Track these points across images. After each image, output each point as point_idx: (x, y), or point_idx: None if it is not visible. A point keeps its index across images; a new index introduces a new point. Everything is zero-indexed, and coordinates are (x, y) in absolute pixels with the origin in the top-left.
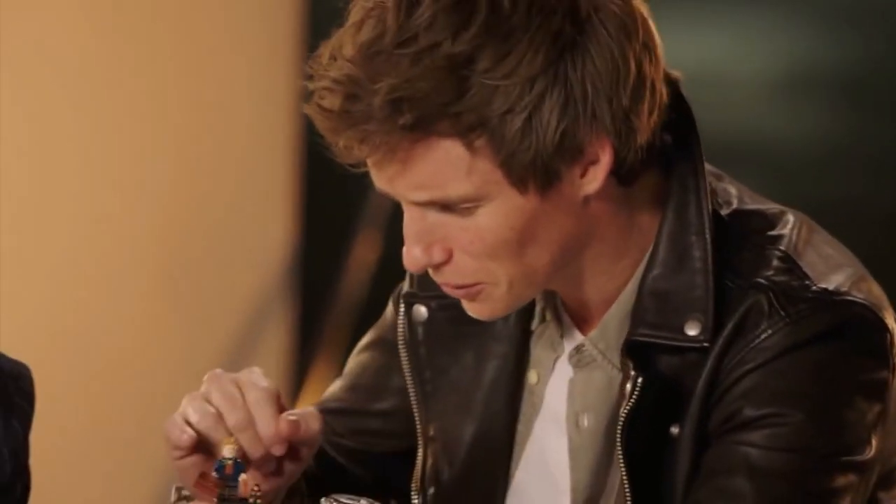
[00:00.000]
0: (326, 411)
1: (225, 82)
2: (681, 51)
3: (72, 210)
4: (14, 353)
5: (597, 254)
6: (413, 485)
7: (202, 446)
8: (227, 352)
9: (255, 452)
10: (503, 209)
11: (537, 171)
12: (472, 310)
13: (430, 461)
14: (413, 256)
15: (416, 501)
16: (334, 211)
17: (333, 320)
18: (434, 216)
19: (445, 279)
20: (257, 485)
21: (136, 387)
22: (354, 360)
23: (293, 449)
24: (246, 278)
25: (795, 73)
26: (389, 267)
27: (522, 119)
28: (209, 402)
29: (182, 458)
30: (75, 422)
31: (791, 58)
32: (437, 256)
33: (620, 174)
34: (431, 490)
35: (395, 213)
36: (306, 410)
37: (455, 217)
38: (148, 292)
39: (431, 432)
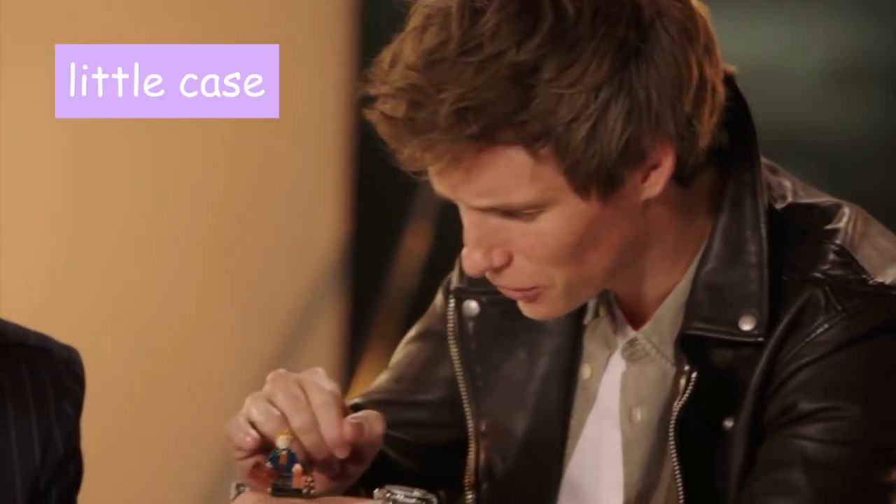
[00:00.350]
0: (373, 403)
1: (281, 75)
2: (734, 44)
3: (128, 204)
4: (74, 336)
5: (655, 256)
6: (466, 480)
7: (265, 447)
8: (278, 343)
9: (318, 455)
10: (565, 215)
11: (601, 178)
12: (529, 311)
13: (482, 456)
14: (474, 260)
15: (469, 497)
16: (385, 202)
17: (384, 312)
18: (495, 221)
19: (504, 282)
20: (311, 475)
21: (189, 379)
22: (402, 352)
23: (356, 451)
24: (297, 270)
25: (850, 65)
26: (440, 258)
27: (587, 128)
28: (273, 403)
29: (245, 458)
30: (128, 411)
31: (845, 50)
32: (498, 260)
33: (681, 177)
34: (485, 485)
35: (445, 205)
36: (369, 413)
37: (516, 222)
38: (201, 285)
39: (483, 427)
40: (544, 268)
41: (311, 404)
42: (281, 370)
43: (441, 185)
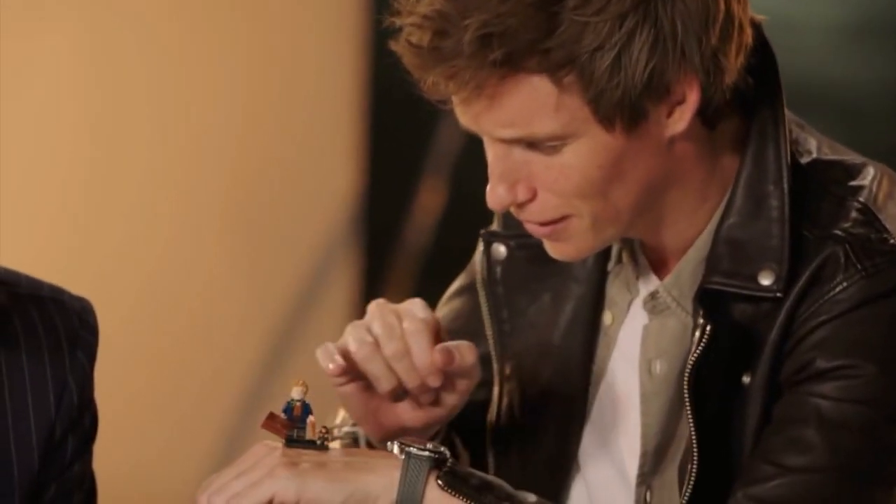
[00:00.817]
0: None
1: (291, 31)
2: None
3: (146, 159)
4: (90, 298)
5: (680, 196)
6: (488, 423)
7: (358, 373)
8: (293, 299)
9: (410, 382)
10: (589, 147)
11: (625, 110)
12: (555, 250)
13: (505, 400)
14: (497, 195)
15: (491, 436)
16: (399, 158)
17: (398, 267)
18: (519, 154)
19: (529, 217)
20: (324, 427)
21: (204, 334)
22: (446, 307)
23: (450, 381)
24: (312, 226)
25: (866, 18)
26: (453, 214)
27: (612, 56)
28: (369, 331)
29: (341, 385)
30: (146, 365)
31: (861, 3)
32: (522, 195)
33: (706, 115)
34: (507, 428)
35: (459, 160)
36: (461, 342)
37: (541, 155)
38: (216, 242)
39: (507, 371)
40: (570, 201)
41: (403, 332)
42: (381, 299)
43: (465, 116)
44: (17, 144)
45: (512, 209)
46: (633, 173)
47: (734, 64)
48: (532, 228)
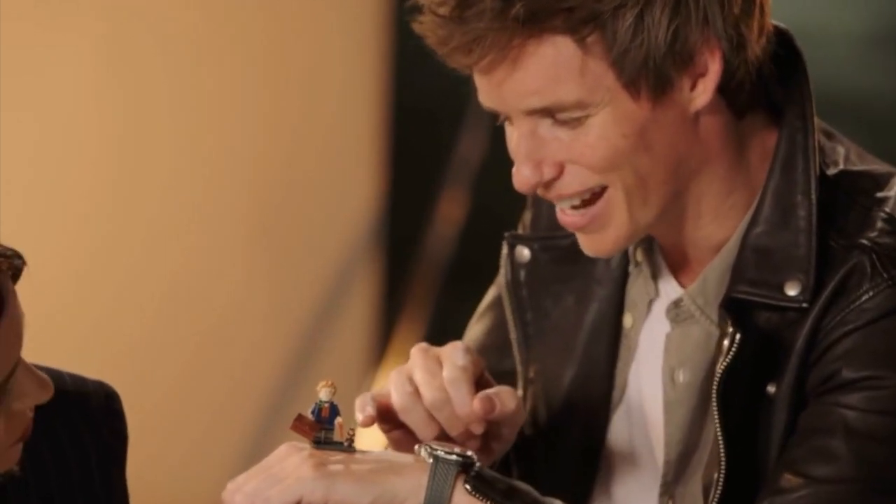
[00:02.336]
0: None
1: (314, 41)
2: (773, 8)
3: (168, 168)
4: (115, 304)
5: (706, 184)
6: None
7: (398, 421)
8: (314, 311)
9: (452, 430)
10: (615, 116)
11: (649, 74)
12: (589, 243)
13: (528, 403)
14: (523, 175)
15: (515, 442)
16: (420, 169)
17: (419, 277)
18: (544, 130)
19: (559, 191)
20: (352, 428)
21: (228, 338)
22: (478, 325)
23: (493, 427)
24: (334, 235)
25: (888, 27)
26: (475, 224)
27: (634, 14)
28: (410, 379)
29: (387, 431)
30: (171, 367)
31: (883, 13)
32: (548, 173)
33: (731, 95)
34: (530, 430)
35: (480, 171)
36: (502, 389)
37: (566, 130)
38: (238, 254)
39: (531, 374)
40: (599, 172)
41: (444, 380)
42: (423, 344)
43: (489, 87)
44: (38, 154)
45: (539, 191)
46: (661, 145)
47: (756, 41)
48: (568, 219)
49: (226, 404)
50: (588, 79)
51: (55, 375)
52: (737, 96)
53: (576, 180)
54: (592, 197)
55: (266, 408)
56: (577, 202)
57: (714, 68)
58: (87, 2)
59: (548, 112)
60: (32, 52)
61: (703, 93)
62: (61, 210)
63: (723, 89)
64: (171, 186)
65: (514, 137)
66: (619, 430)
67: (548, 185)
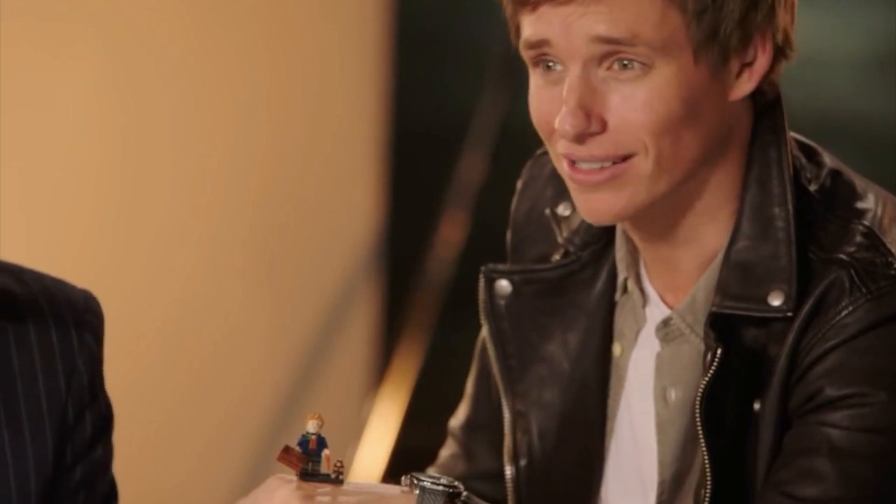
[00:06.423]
0: (481, 429)
1: (314, 63)
2: None
3: (170, 188)
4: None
5: (713, 185)
6: (505, 459)
7: None
8: (314, 331)
9: None
10: (678, 76)
11: (715, 44)
12: (593, 204)
13: (519, 434)
14: (576, 119)
15: (508, 472)
16: (420, 191)
17: (419, 299)
18: (598, 80)
19: (594, 150)
20: (339, 461)
21: (227, 362)
22: (477, 364)
23: None
24: (334, 259)
25: (889, 52)
26: (475, 246)
27: None
28: None
29: None
30: (169, 393)
31: (885, 38)
32: (594, 126)
33: (759, 95)
34: (523, 462)
35: (481, 193)
36: None
37: (624, 83)
38: (239, 275)
39: (519, 406)
40: (640, 137)
41: None
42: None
43: (558, 17)
44: (42, 172)
45: (569, 147)
46: (707, 122)
47: (790, 53)
48: (585, 176)
49: (226, 423)
50: (665, 28)
51: (37, 274)
52: (763, 100)
53: (613, 143)
54: (617, 162)
55: (266, 428)
56: (600, 165)
57: (762, 61)
58: (90, 13)
59: (615, 48)
60: (36, 63)
61: (746, 82)
62: (62, 229)
63: (757, 88)
64: (172, 206)
65: (568, 85)
66: (613, 456)
67: (588, 137)
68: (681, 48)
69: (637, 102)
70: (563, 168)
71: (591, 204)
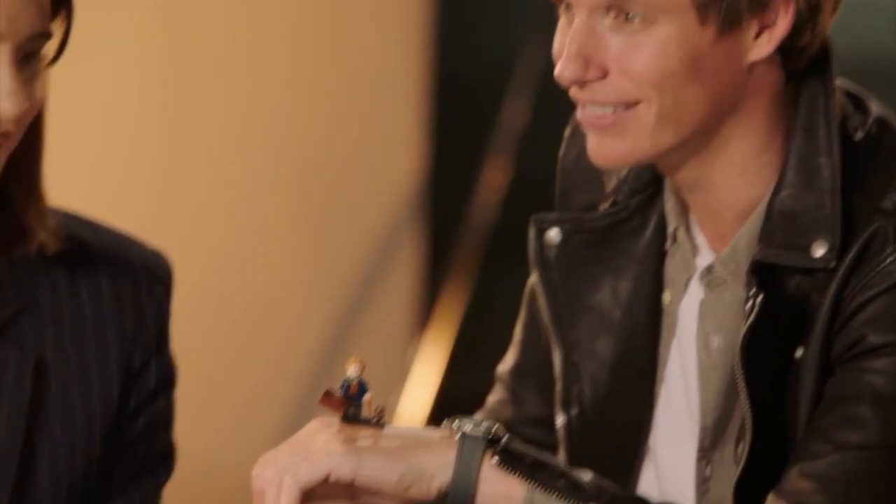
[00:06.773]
0: (529, 376)
1: (354, 14)
2: None
3: (211, 142)
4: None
5: (740, 138)
6: (556, 407)
7: None
8: (359, 277)
9: None
10: (679, 35)
11: (721, 4)
12: (600, 148)
13: (570, 383)
14: (573, 68)
15: (560, 420)
16: (464, 136)
17: (463, 245)
18: (603, 29)
19: (595, 94)
20: (380, 405)
21: (268, 311)
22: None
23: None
24: (376, 206)
25: None
26: (518, 192)
27: None
28: None
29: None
30: (210, 341)
31: None
32: (592, 74)
33: (789, 53)
34: (575, 410)
35: (523, 140)
36: None
37: (626, 35)
38: (282, 220)
39: (570, 356)
40: (642, 87)
41: None
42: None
43: None
44: (81, 142)
45: (572, 91)
46: (710, 84)
47: (830, 13)
48: (591, 119)
49: (269, 367)
50: None
51: (113, 229)
52: (795, 59)
53: (615, 89)
54: (623, 109)
55: (307, 381)
56: (607, 110)
57: (784, 23)
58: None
59: (619, 1)
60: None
61: (765, 43)
62: (103, 174)
63: (785, 48)
64: (213, 154)
65: (570, 33)
66: (664, 403)
67: (584, 84)
68: (684, 6)
69: (636, 53)
70: (578, 110)
71: (597, 147)
